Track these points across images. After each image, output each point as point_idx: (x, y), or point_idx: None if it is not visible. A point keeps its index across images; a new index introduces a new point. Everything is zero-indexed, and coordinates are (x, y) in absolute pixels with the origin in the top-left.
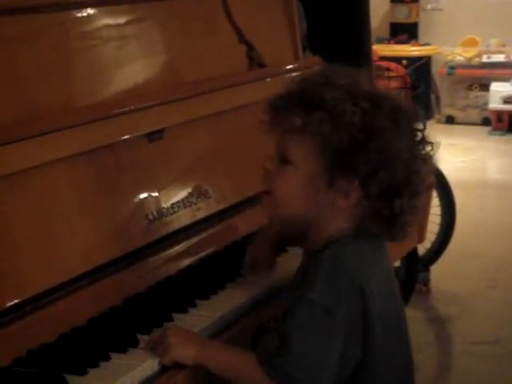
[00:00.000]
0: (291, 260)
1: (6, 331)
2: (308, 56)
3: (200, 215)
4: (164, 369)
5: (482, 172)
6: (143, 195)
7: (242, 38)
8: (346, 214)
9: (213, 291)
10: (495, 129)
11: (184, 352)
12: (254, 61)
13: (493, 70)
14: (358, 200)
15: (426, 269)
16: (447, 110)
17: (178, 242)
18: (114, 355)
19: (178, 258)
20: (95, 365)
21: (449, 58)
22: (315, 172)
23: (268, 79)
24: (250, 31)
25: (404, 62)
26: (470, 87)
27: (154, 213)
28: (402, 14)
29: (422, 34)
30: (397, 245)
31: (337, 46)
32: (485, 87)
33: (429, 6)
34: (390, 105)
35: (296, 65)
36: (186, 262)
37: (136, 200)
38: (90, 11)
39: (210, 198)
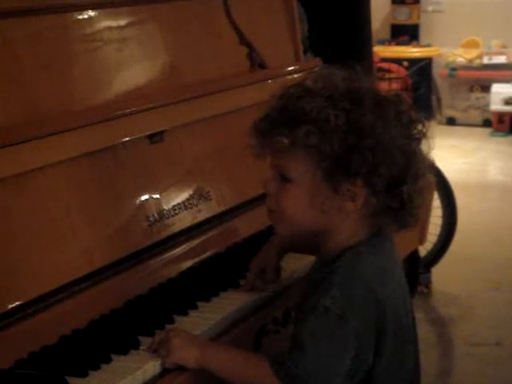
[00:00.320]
0: (292, 262)
1: (7, 333)
2: (309, 58)
3: (201, 217)
4: (165, 371)
5: (483, 173)
6: (144, 197)
7: (242, 40)
8: (356, 216)
9: (214, 293)
10: (496, 130)
11: (186, 354)
12: (255, 62)
13: (494, 72)
14: (366, 199)
15: (428, 270)
16: (448, 112)
17: (179, 244)
18: (115, 357)
19: (179, 260)
20: (96, 367)
21: (450, 59)
22: (317, 183)
23: (269, 81)
24: (251, 33)
25: (405, 63)
26: (471, 88)
27: (155, 215)
28: (402, 16)
29: (423, 36)
30: (398, 246)
31: (338, 48)
32: (486, 88)
33: (430, 8)
34: (371, 98)
35: (297, 66)
36: (187, 264)
37: (137, 202)
38: (91, 13)
39: (210, 199)
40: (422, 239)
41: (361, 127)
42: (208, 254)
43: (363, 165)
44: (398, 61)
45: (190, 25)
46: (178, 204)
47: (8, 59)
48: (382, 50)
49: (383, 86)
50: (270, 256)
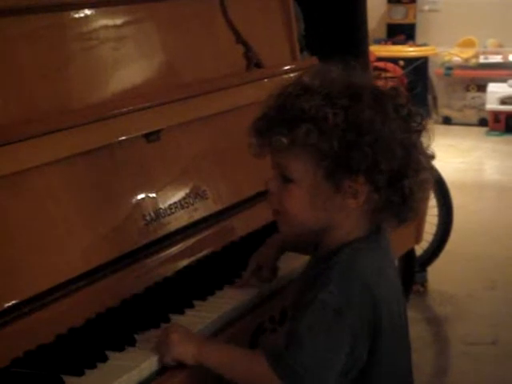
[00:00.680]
0: (290, 261)
1: (3, 332)
2: (305, 57)
3: (197, 216)
4: (161, 370)
5: (479, 173)
6: (141, 196)
7: (239, 39)
8: (358, 212)
9: (210, 292)
10: (492, 129)
11: (184, 350)
12: (252, 61)
13: (490, 71)
14: (368, 195)
15: (423, 269)
16: (444, 111)
17: (176, 243)
18: (111, 356)
19: (176, 259)
20: (92, 366)
21: (446, 58)
22: (318, 182)
23: (265, 80)
24: (248, 32)
25: (401, 62)
26: (467, 88)
27: (152, 213)
28: (399, 15)
29: (419, 35)
30: (394, 245)
31: (334, 47)
32: (482, 88)
33: (426, 7)
34: (369, 93)
35: (293, 65)
36: (183, 263)
37: (133, 201)
38: (88, 12)
39: (207, 198)
40: (418, 238)
41: (360, 124)
42: (204, 252)
43: (364, 161)
44: (394, 60)
45: (187, 24)
46: (175, 203)
47: (5, 58)
48: (378, 50)
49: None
50: (269, 254)
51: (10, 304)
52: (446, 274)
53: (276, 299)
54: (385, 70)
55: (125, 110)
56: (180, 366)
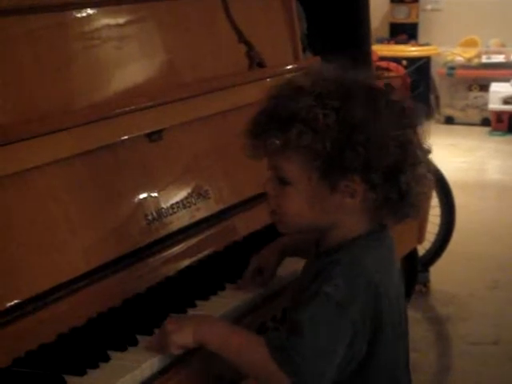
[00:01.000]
0: (291, 263)
1: (5, 331)
2: (308, 56)
3: (199, 216)
4: (163, 370)
5: (481, 172)
6: (143, 195)
7: (241, 38)
8: (357, 211)
9: (212, 292)
10: (495, 129)
11: (182, 335)
12: (254, 61)
13: (492, 71)
14: (365, 194)
15: (426, 269)
16: (447, 111)
17: (178, 243)
18: (113, 356)
19: (178, 259)
20: (94, 365)
21: (448, 58)
22: (314, 183)
23: (268, 79)
24: (250, 31)
25: (404, 62)
26: (469, 87)
27: (154, 213)
28: (401, 15)
29: (422, 35)
30: (396, 245)
31: (337, 46)
32: (484, 88)
33: (428, 7)
34: (361, 91)
35: (295, 65)
36: (185, 263)
37: (135, 200)
38: (89, 12)
39: (209, 198)
40: (420, 238)
41: (352, 123)
42: (206, 252)
43: (357, 160)
44: (396, 59)
45: (189, 23)
46: (177, 202)
47: (6, 57)
48: (380, 49)
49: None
50: (270, 258)
51: (11, 303)
52: (449, 274)
53: (278, 299)
54: (387, 69)
55: (127, 109)
56: (188, 353)
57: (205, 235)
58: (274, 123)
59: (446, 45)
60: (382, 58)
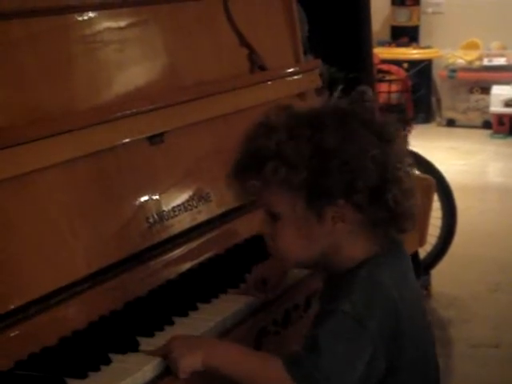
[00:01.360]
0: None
1: (7, 334)
2: (309, 59)
3: (201, 218)
4: (165, 373)
5: (482, 175)
6: (144, 198)
7: (242, 41)
8: (353, 232)
9: (214, 295)
10: (496, 132)
11: (191, 360)
12: (255, 64)
13: (494, 73)
14: (354, 215)
15: (427, 272)
16: (448, 113)
17: (179, 246)
18: (114, 359)
19: (179, 262)
20: (96, 368)
21: (450, 61)
22: (301, 214)
23: (269, 82)
24: (251, 34)
25: (405, 65)
26: (470, 90)
27: (155, 216)
28: (403, 17)
29: (423, 37)
30: None
31: (338, 49)
32: (486, 90)
33: (430, 10)
34: (332, 118)
35: (297, 68)
36: (186, 266)
37: (137, 203)
38: (91, 15)
39: (210, 201)
40: (421, 241)
41: (325, 150)
42: (208, 255)
43: (338, 185)
44: (397, 62)
45: (190, 26)
46: (178, 205)
47: (9, 60)
48: (381, 52)
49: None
50: (274, 269)
51: (13, 307)
52: (450, 277)
53: (279, 302)
54: (389, 72)
55: (128, 112)
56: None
57: (206, 238)
58: (250, 165)
59: (447, 47)
60: (384, 61)
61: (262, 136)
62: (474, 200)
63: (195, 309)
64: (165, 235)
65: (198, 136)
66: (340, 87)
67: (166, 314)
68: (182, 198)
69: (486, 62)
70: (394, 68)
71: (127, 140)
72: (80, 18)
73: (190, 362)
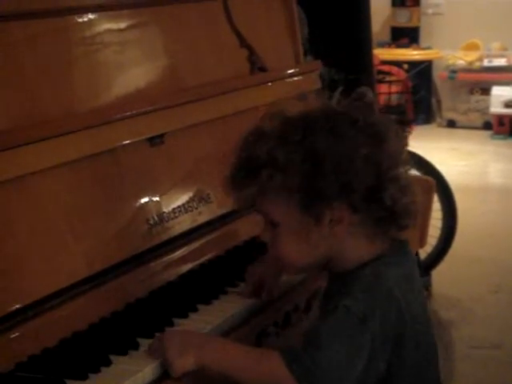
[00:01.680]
0: None
1: (7, 336)
2: (309, 60)
3: (201, 220)
4: (165, 374)
5: (483, 176)
6: (144, 200)
7: (243, 43)
8: (353, 234)
9: (214, 296)
10: (496, 133)
11: (183, 362)
12: (255, 65)
13: (494, 74)
14: (351, 217)
15: (428, 273)
16: (448, 114)
17: (179, 247)
18: (115, 360)
19: (179, 263)
20: (96, 370)
21: (450, 61)
22: (299, 219)
23: (269, 84)
24: (251, 36)
25: (405, 66)
26: (471, 91)
27: (155, 218)
28: (403, 18)
29: (423, 38)
30: None
31: (338, 50)
32: (486, 91)
33: (430, 11)
34: (322, 120)
35: (297, 69)
36: (187, 267)
37: (137, 205)
38: (91, 16)
39: (211, 202)
40: (422, 242)
41: (316, 153)
42: (208, 256)
43: (332, 188)
44: (398, 63)
45: (190, 28)
46: (178, 207)
47: (9, 62)
48: (382, 53)
49: (383, 89)
50: (269, 269)
51: (14, 308)
52: (451, 278)
53: (280, 304)
54: (389, 73)
55: (128, 113)
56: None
57: (206, 239)
58: (245, 174)
59: (447, 48)
60: (384, 62)
61: (254, 144)
62: (475, 201)
63: (195, 310)
64: (165, 236)
65: (199, 137)
66: (340, 88)
67: (166, 316)
68: (182, 199)
69: (486, 62)
70: (394, 69)
71: (127, 141)
72: (81, 20)
73: (181, 364)
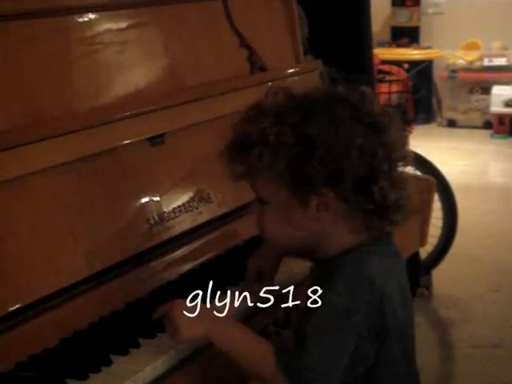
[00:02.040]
0: (292, 265)
1: (8, 336)
2: (309, 60)
3: (201, 219)
4: (166, 373)
5: (483, 175)
6: (145, 200)
7: (243, 43)
8: (338, 222)
9: (215, 295)
10: (497, 132)
11: (191, 333)
12: (255, 65)
13: (494, 74)
14: (338, 205)
15: (428, 273)
16: (449, 114)
17: (180, 247)
18: (115, 360)
19: (180, 263)
20: (97, 369)
21: (450, 61)
22: (286, 200)
23: (269, 83)
24: (251, 35)
25: (405, 65)
26: (471, 91)
27: (156, 217)
28: (403, 18)
29: (424, 38)
30: (398, 248)
31: (338, 50)
32: (486, 91)
33: (430, 10)
34: (321, 105)
35: (297, 69)
36: (187, 267)
37: (137, 204)
38: (91, 16)
39: (211, 202)
40: (422, 241)
41: (309, 138)
42: (208, 256)
43: (321, 174)
44: (398, 63)
45: (190, 28)
46: (179, 206)
47: (9, 62)
48: (382, 52)
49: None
50: (268, 259)
51: (14, 308)
52: (451, 277)
53: (280, 303)
54: (389, 72)
55: (128, 113)
56: (190, 358)
57: (207, 239)
58: (237, 149)
59: (447, 48)
60: (384, 62)
61: (250, 121)
62: (475, 200)
63: None
64: (165, 236)
65: (199, 137)
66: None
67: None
68: (182, 199)
69: (486, 62)
70: (394, 69)
71: (128, 141)
72: (81, 20)
73: (191, 334)
